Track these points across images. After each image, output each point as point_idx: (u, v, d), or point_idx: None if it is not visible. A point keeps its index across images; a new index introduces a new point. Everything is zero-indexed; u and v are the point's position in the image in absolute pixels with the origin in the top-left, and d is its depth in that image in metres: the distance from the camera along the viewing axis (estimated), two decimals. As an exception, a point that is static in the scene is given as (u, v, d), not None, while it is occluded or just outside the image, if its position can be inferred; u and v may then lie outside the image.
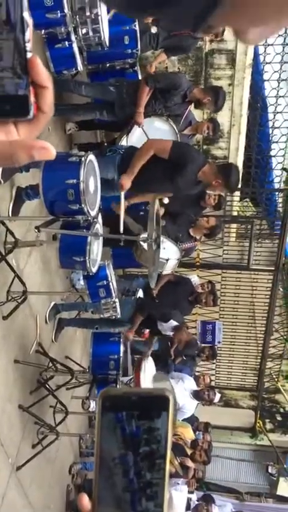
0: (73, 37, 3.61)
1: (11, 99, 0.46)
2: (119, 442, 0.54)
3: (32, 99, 0.47)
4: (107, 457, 0.54)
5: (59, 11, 3.34)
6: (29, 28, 0.46)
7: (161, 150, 3.47)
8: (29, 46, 0.46)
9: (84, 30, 3.60)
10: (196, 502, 5.28)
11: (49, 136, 4.30)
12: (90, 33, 3.62)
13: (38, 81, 0.47)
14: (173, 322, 4.99)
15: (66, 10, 3.35)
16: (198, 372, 6.61)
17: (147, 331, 5.20)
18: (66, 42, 3.61)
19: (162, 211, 3.64)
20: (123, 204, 3.45)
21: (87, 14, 3.49)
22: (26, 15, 0.45)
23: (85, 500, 0.54)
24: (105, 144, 4.34)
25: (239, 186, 6.39)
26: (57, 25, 3.46)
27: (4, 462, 3.45)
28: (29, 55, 0.46)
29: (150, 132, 4.10)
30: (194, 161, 3.58)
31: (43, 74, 0.48)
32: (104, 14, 3.58)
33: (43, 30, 3.53)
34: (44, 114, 0.49)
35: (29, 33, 0.46)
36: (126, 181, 3.43)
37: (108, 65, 4.32)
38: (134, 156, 3.49)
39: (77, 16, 3.53)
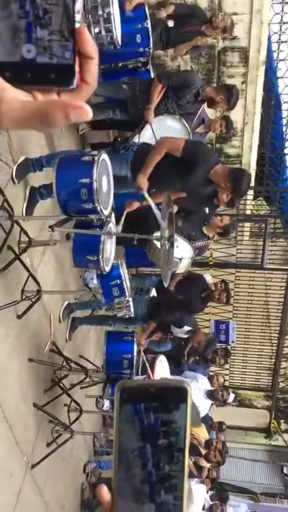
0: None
1: (56, 68, 0.47)
2: (137, 434, 0.53)
3: (76, 69, 0.48)
4: (125, 449, 0.54)
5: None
6: (79, 1, 0.47)
7: (173, 148, 3.45)
8: (78, 17, 0.47)
9: (96, 30, 3.59)
10: (210, 502, 5.26)
11: (62, 136, 4.32)
12: (103, 32, 3.60)
13: (84, 50, 0.47)
14: (186, 327, 4.99)
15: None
16: (212, 371, 6.57)
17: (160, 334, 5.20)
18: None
19: (175, 209, 3.62)
20: (150, 200, 3.42)
21: (100, 13, 3.48)
22: None
23: (105, 491, 0.54)
24: (118, 139, 4.32)
25: (252, 184, 6.36)
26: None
27: (19, 460, 3.47)
28: (77, 25, 0.47)
29: (162, 130, 4.08)
30: (206, 160, 3.55)
31: (90, 44, 0.48)
32: (116, 12, 3.58)
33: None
34: (87, 85, 0.48)
35: (79, 5, 0.47)
36: (143, 181, 3.42)
37: (120, 64, 4.32)
38: (149, 155, 3.48)
39: (90, 15, 3.53)
